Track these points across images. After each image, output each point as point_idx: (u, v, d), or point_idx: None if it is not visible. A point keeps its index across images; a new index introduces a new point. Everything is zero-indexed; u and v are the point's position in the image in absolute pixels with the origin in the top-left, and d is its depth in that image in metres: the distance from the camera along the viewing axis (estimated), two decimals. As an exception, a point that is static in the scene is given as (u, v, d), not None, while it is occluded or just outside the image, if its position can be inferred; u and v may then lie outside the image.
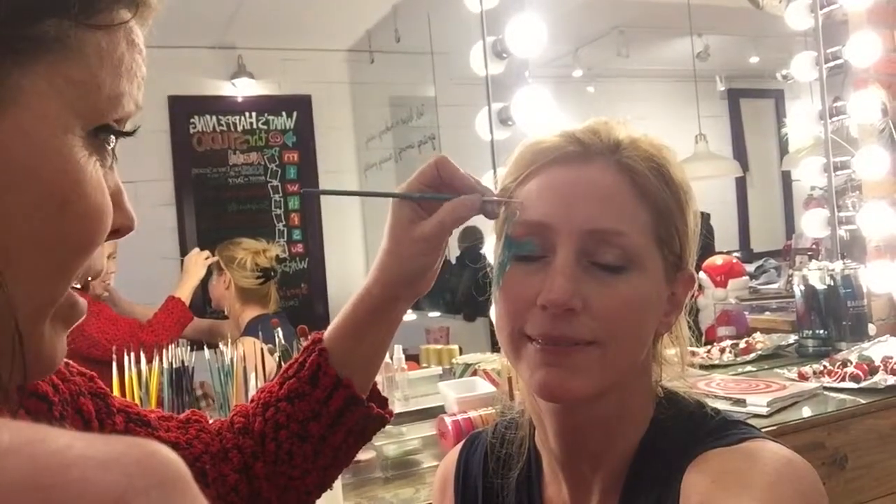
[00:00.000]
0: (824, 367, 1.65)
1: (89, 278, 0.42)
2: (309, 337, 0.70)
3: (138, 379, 1.52)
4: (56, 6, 0.36)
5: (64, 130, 0.37)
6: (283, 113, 3.89)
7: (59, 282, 0.39)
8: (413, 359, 1.88)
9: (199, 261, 2.38)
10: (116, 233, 0.42)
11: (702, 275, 2.45)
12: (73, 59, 0.37)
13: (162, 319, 2.22)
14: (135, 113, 0.42)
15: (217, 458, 0.65)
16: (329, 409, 0.65)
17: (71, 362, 0.56)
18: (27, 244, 0.37)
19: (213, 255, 2.41)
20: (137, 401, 1.52)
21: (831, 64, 2.17)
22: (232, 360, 1.63)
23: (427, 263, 0.65)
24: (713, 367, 1.89)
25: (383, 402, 0.72)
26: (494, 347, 1.59)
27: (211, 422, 0.69)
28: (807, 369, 1.66)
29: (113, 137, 0.41)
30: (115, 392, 1.50)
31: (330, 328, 0.68)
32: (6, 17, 0.35)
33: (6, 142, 0.35)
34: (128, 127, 0.41)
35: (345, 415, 0.66)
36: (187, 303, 2.30)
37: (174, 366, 1.57)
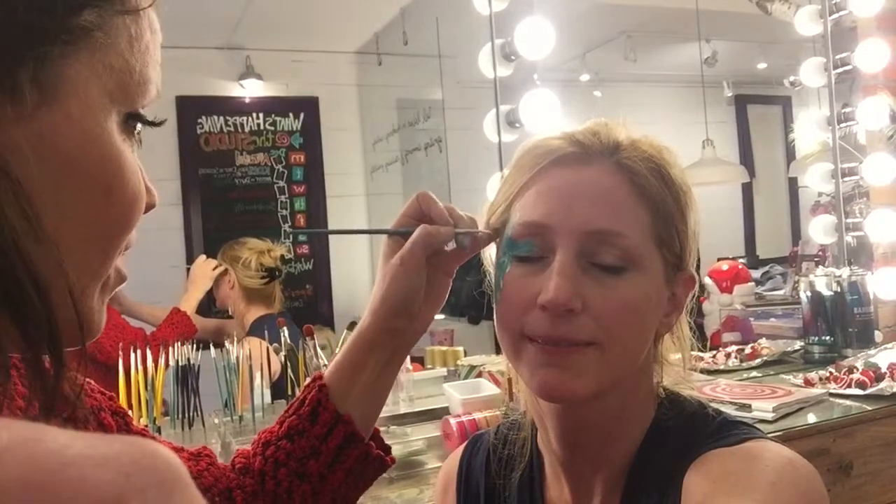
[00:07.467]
0: (830, 373, 1.64)
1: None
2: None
3: (144, 377, 1.53)
4: None
5: (105, 117, 0.39)
6: (291, 114, 3.90)
7: (104, 260, 0.41)
8: (418, 360, 1.88)
9: (206, 271, 2.33)
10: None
11: (707, 280, 2.45)
12: (111, 46, 0.38)
13: (166, 333, 2.17)
14: (156, 99, 0.43)
15: (223, 496, 0.65)
16: (328, 445, 0.65)
17: (91, 381, 0.56)
18: (75, 227, 0.38)
19: (219, 260, 2.38)
20: (142, 401, 1.53)
21: (840, 70, 2.16)
22: (238, 359, 1.64)
23: (406, 288, 0.64)
24: (718, 372, 1.89)
25: (385, 447, 0.71)
26: (499, 350, 1.59)
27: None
28: (813, 375, 1.66)
29: (140, 125, 0.42)
30: (121, 390, 1.51)
31: (330, 365, 0.69)
32: (51, 9, 0.36)
33: (57, 130, 0.36)
34: (150, 118, 0.43)
35: (344, 452, 0.65)
36: (192, 314, 2.27)
37: (180, 363, 1.58)
